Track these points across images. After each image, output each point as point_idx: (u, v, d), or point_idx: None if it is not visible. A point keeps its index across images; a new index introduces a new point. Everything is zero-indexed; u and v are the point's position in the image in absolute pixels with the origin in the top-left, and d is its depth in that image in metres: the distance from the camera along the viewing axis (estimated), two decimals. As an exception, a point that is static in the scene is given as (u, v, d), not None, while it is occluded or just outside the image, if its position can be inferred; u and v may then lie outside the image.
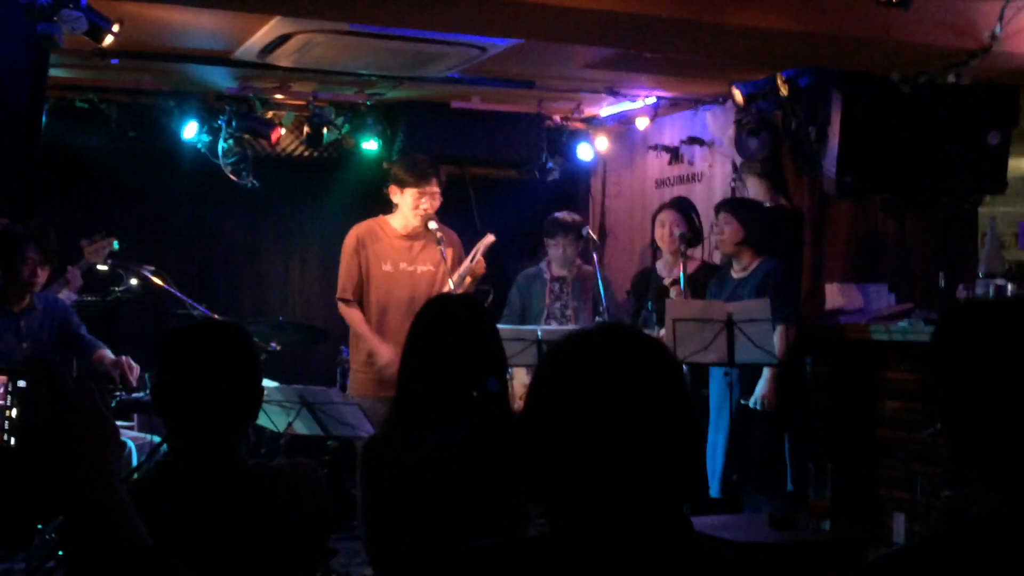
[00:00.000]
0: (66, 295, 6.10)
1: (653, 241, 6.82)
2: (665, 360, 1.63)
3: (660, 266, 6.76)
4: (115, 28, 4.98)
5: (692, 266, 6.54)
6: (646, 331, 5.80)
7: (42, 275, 5.52)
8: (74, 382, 1.40)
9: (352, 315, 5.97)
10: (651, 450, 1.56)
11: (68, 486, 1.36)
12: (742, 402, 5.93)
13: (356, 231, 6.04)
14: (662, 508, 1.58)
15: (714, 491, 5.95)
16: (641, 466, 1.55)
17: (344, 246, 6.02)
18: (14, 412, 1.36)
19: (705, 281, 6.43)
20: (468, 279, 5.90)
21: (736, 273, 6.20)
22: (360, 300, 5.97)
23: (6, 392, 1.34)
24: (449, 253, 5.96)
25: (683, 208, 6.70)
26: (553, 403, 1.61)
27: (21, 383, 1.37)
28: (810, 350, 6.37)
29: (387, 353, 5.71)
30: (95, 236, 6.58)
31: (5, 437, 1.35)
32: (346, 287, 5.97)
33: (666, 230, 6.54)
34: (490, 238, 6.00)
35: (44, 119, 4.81)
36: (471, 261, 5.93)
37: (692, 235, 6.59)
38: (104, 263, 6.58)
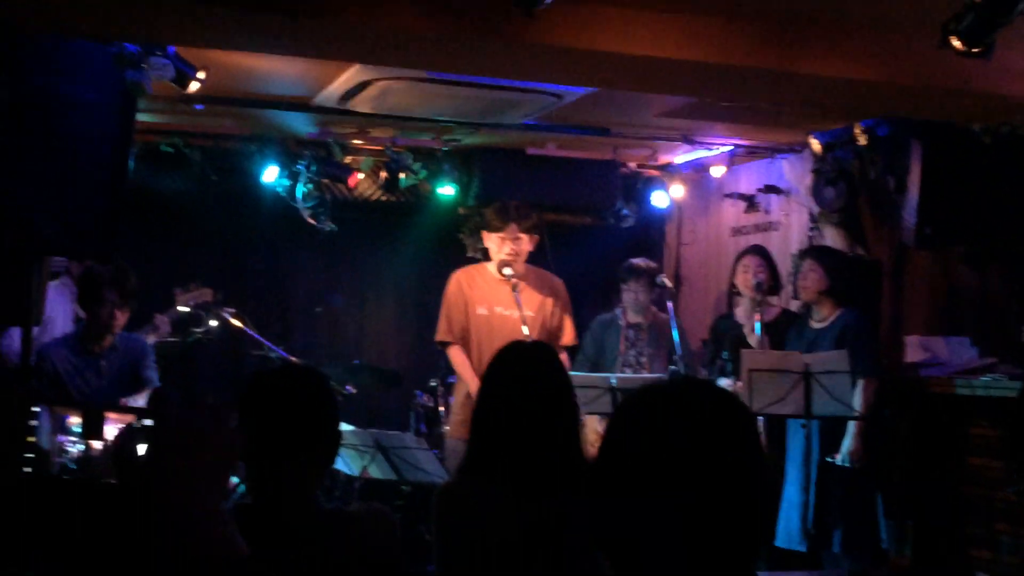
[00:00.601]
0: (152, 341, 6.23)
1: (732, 286, 6.75)
2: (739, 416, 1.62)
3: (739, 313, 6.67)
4: (201, 75, 5.10)
5: (772, 313, 6.50)
6: (722, 380, 5.80)
7: (120, 318, 5.59)
8: (179, 410, 1.46)
9: (453, 356, 6.02)
10: (722, 506, 1.55)
11: (175, 510, 1.41)
12: (828, 460, 5.84)
13: (457, 276, 6.12)
14: (731, 563, 1.56)
15: (802, 546, 5.86)
16: (712, 521, 1.54)
17: (446, 291, 6.09)
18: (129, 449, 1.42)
19: (785, 329, 6.36)
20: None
21: (815, 323, 6.14)
22: (464, 343, 6.02)
23: (130, 431, 1.41)
24: (526, 298, 5.96)
25: (767, 255, 6.64)
26: (624, 456, 1.61)
27: (148, 422, 1.43)
28: (889, 403, 6.26)
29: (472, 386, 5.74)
30: (191, 284, 6.69)
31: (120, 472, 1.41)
32: (447, 329, 6.01)
33: (749, 275, 6.47)
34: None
35: (130, 163, 4.91)
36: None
37: (772, 283, 6.55)
38: (187, 304, 6.68)
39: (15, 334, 5.70)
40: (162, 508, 1.44)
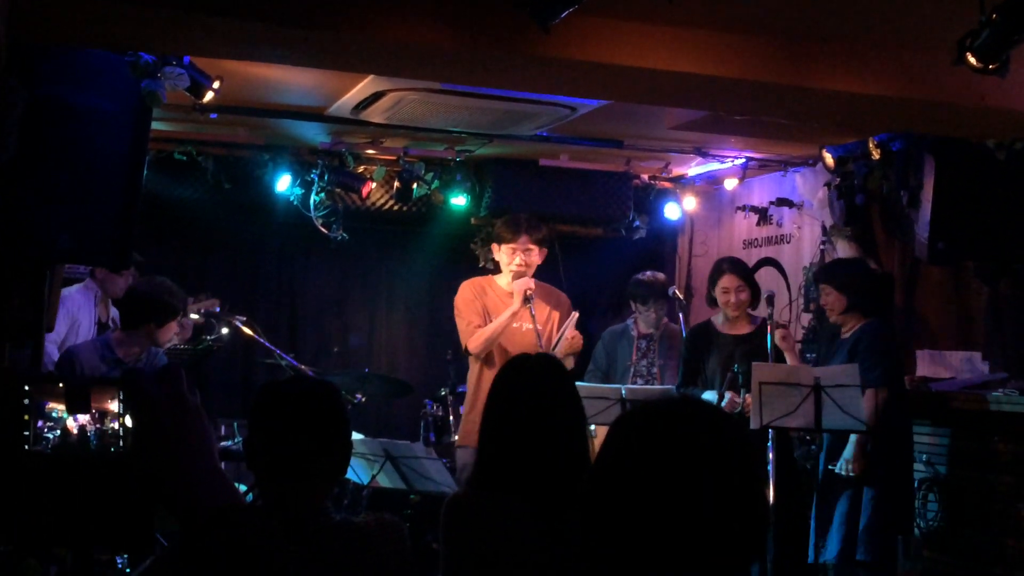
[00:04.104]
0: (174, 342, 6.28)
1: (711, 298, 6.49)
2: (732, 437, 1.62)
3: (718, 322, 6.43)
4: (216, 85, 5.11)
5: (755, 326, 6.31)
6: (731, 393, 5.77)
7: (163, 335, 5.67)
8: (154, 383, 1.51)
9: (479, 335, 5.94)
10: (712, 523, 1.56)
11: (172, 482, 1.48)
12: (830, 467, 5.83)
13: (469, 285, 6.11)
14: None
15: (810, 557, 5.86)
16: (701, 538, 1.55)
17: (460, 299, 6.05)
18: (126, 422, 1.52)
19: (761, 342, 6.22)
20: (570, 358, 5.92)
21: (842, 335, 6.11)
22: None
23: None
24: (540, 312, 5.97)
25: (743, 272, 6.40)
26: (617, 475, 1.61)
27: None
28: (904, 416, 6.21)
29: (515, 303, 5.85)
30: (200, 295, 6.75)
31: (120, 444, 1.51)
32: (469, 330, 5.96)
33: (731, 296, 6.27)
34: (575, 315, 6.04)
35: (144, 171, 4.92)
36: (564, 333, 5.93)
37: (753, 297, 6.31)
38: (198, 311, 6.72)
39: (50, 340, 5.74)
40: (160, 470, 1.52)
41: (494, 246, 6.11)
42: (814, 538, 5.86)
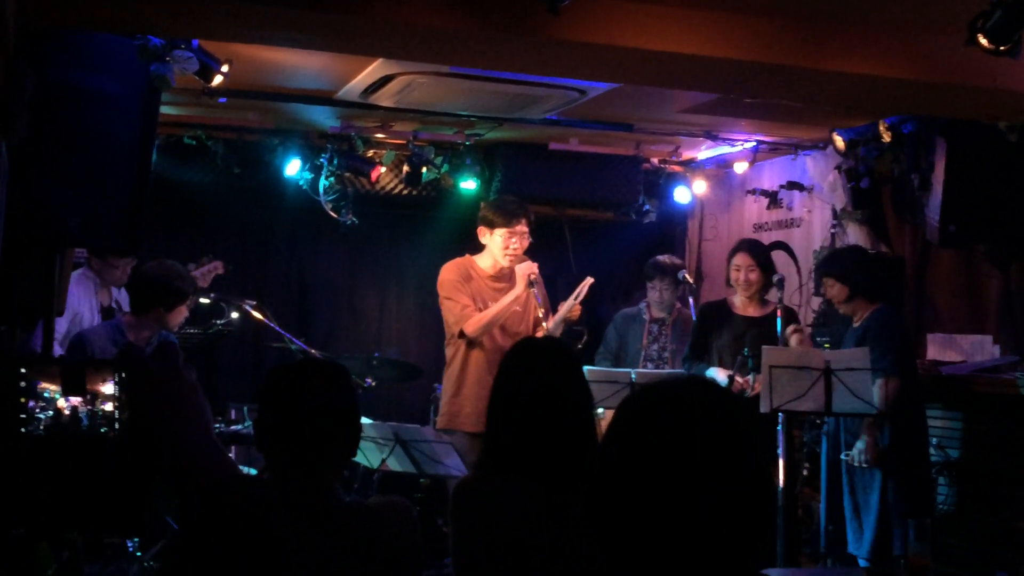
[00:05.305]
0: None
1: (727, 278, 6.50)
2: (738, 419, 1.61)
3: (735, 302, 6.41)
4: (225, 68, 5.10)
5: (767, 310, 6.33)
6: (739, 375, 5.76)
7: (173, 319, 5.65)
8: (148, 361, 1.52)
9: (479, 319, 5.88)
10: (718, 507, 1.55)
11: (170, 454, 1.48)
12: (842, 457, 5.82)
13: (453, 266, 6.04)
14: (731, 563, 1.56)
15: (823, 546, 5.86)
16: (707, 522, 1.54)
17: (447, 281, 5.97)
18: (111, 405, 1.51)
19: (772, 326, 6.21)
20: (561, 326, 5.91)
21: (855, 322, 6.10)
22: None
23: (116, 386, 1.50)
24: (542, 295, 5.97)
25: (759, 254, 6.37)
26: (624, 455, 1.60)
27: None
28: (917, 400, 6.18)
29: (518, 287, 5.80)
30: (202, 259, 6.74)
31: (116, 427, 1.50)
32: (465, 313, 5.91)
33: (741, 274, 6.27)
34: (589, 280, 6.00)
35: (154, 155, 4.92)
36: (574, 299, 5.93)
37: (765, 280, 6.30)
38: (208, 296, 6.72)
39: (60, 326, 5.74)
40: (159, 445, 1.53)
41: (483, 230, 6.03)
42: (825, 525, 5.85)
